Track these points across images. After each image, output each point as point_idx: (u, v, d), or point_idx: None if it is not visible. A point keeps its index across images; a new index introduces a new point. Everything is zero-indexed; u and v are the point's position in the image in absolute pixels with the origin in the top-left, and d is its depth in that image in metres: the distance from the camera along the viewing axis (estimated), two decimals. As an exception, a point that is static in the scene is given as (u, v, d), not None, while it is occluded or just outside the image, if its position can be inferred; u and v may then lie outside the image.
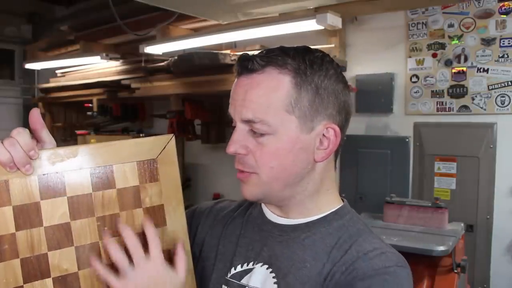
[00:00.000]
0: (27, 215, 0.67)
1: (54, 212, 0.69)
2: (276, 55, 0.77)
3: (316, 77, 0.77)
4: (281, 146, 0.76)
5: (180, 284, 0.74)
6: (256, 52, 0.81)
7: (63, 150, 0.70)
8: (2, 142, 0.65)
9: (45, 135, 0.70)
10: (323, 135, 0.78)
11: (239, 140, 0.78)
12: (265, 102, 0.75)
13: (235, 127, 0.80)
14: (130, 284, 0.70)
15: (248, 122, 0.77)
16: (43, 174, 0.68)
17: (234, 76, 0.82)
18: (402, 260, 0.76)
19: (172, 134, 0.79)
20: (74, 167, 0.70)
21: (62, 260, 0.69)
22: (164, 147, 0.77)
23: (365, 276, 0.71)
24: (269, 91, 0.76)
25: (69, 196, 0.70)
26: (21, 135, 0.66)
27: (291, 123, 0.76)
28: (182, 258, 0.75)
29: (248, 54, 0.79)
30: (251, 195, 0.81)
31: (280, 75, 0.76)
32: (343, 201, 0.87)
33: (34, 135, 0.70)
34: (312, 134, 0.78)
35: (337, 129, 0.79)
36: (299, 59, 0.77)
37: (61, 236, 0.69)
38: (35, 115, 0.69)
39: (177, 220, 0.80)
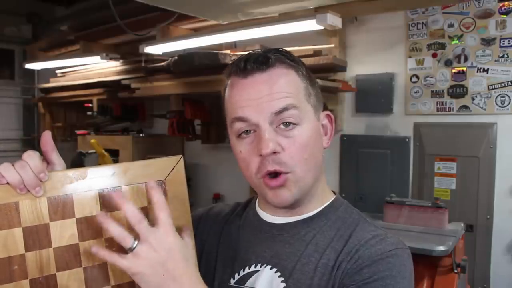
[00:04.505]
0: (36, 236, 0.68)
1: (63, 234, 0.70)
2: (275, 53, 0.80)
3: (305, 71, 0.83)
4: (309, 135, 0.79)
5: (192, 253, 0.70)
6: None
7: (72, 172, 0.71)
8: (13, 165, 0.66)
9: (55, 157, 0.72)
10: (322, 124, 0.85)
11: (272, 138, 0.76)
12: (294, 91, 0.79)
13: (243, 133, 0.79)
14: (142, 261, 0.65)
15: (280, 112, 0.76)
16: (53, 196, 0.69)
17: (231, 79, 0.82)
18: (401, 242, 0.79)
19: (181, 155, 0.79)
20: (83, 189, 0.71)
21: (71, 281, 0.70)
22: (173, 168, 0.77)
23: (371, 262, 0.74)
24: (292, 82, 0.80)
25: (78, 218, 0.71)
26: (31, 158, 0.67)
27: (310, 112, 0.81)
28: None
29: (253, 53, 0.81)
30: (292, 197, 0.79)
31: (289, 70, 0.80)
32: (334, 193, 0.90)
33: (44, 157, 0.71)
34: (319, 122, 0.84)
35: (331, 115, 0.87)
36: (287, 56, 0.82)
37: (69, 257, 0.70)
38: (47, 137, 0.71)
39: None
